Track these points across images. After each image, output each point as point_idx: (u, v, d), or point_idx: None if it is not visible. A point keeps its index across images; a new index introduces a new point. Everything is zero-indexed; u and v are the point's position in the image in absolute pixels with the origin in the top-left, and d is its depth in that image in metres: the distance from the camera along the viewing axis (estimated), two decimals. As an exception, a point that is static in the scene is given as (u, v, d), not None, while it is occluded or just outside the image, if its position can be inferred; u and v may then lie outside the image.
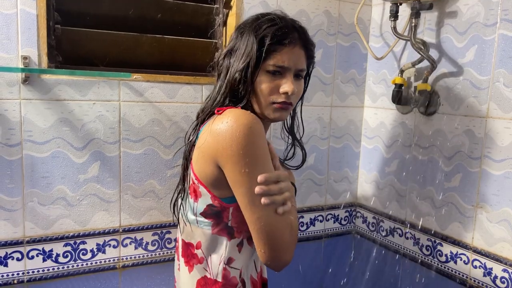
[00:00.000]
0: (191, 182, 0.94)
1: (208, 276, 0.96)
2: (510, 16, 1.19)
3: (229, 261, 0.94)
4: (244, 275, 0.97)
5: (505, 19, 1.20)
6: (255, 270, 1.01)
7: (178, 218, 1.03)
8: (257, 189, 0.82)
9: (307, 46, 0.97)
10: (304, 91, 1.03)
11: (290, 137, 1.11)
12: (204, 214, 0.93)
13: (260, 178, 0.82)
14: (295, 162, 1.11)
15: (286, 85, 0.92)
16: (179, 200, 1.01)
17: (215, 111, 0.91)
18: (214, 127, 0.85)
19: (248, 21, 0.96)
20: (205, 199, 0.92)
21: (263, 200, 0.83)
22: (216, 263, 0.94)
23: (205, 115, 0.96)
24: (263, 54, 0.90)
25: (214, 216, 0.92)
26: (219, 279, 0.94)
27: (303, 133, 1.12)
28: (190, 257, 0.98)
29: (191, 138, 0.97)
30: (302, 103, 1.08)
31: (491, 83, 1.24)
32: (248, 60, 0.91)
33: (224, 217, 0.92)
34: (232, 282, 0.95)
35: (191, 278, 0.98)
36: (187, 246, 0.99)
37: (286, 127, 1.10)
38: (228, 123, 0.83)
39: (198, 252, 0.96)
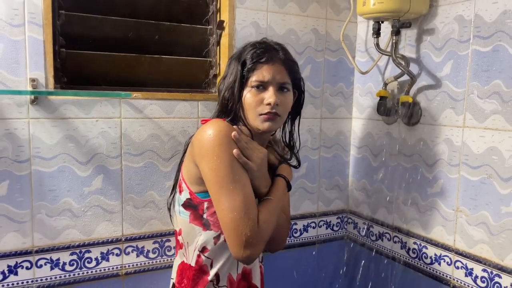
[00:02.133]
0: (180, 178, 1.13)
1: (185, 261, 1.11)
2: (482, 33, 1.28)
3: (203, 250, 1.08)
4: (220, 270, 1.08)
5: (477, 36, 1.30)
6: (236, 270, 1.11)
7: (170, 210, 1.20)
8: (233, 134, 1.01)
9: (287, 63, 1.10)
10: (301, 107, 1.19)
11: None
12: (184, 205, 1.10)
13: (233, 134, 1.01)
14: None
15: (269, 97, 1.05)
16: (172, 196, 1.20)
17: (201, 121, 1.09)
18: (197, 133, 1.05)
19: (236, 51, 1.14)
20: (186, 193, 1.09)
21: (235, 151, 1.00)
22: (192, 249, 1.09)
23: None
24: (247, 74, 1.06)
25: (191, 208, 1.08)
26: (193, 264, 1.09)
27: (299, 148, 1.25)
28: (177, 243, 1.15)
29: (186, 146, 1.15)
30: (300, 119, 1.21)
31: (466, 95, 1.33)
32: (233, 80, 1.07)
33: (199, 209, 1.06)
34: (203, 270, 1.08)
35: (175, 263, 1.15)
36: (176, 233, 1.15)
37: (285, 142, 1.22)
38: (204, 129, 1.02)
39: (179, 238, 1.12)
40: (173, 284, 1.15)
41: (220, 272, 1.09)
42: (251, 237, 0.97)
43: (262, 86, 1.06)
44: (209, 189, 1.02)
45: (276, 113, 1.06)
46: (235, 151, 1.01)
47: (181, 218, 1.11)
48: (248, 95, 1.07)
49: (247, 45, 1.12)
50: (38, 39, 1.23)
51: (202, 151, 1.01)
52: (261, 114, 1.06)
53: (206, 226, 1.07)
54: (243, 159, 1.03)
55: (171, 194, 1.21)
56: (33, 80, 1.22)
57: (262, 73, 1.06)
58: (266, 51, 1.08)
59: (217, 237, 1.07)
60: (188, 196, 1.08)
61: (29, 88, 1.21)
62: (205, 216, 1.06)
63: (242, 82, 1.07)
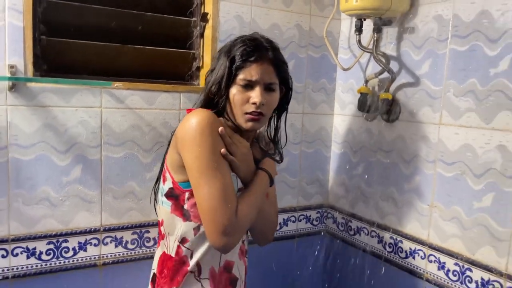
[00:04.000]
0: (164, 168, 1.13)
1: (166, 252, 1.11)
2: (459, 32, 1.31)
3: (183, 240, 1.08)
4: (201, 260, 1.09)
5: (455, 35, 1.33)
6: (218, 263, 1.11)
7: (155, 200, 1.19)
8: (220, 129, 1.03)
9: (276, 63, 1.11)
10: (287, 103, 1.21)
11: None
12: (166, 195, 1.10)
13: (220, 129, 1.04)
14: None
15: (255, 96, 1.06)
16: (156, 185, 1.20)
17: (186, 111, 1.10)
18: (181, 122, 1.06)
19: (225, 45, 1.14)
20: (169, 183, 1.10)
21: (222, 151, 1.02)
22: (172, 240, 1.09)
23: None
24: (235, 70, 1.06)
25: (173, 198, 1.08)
26: (173, 255, 1.09)
27: (285, 143, 1.26)
28: (159, 234, 1.15)
29: (171, 136, 1.14)
30: (286, 114, 1.22)
31: (443, 93, 1.36)
32: (221, 75, 1.08)
33: (181, 200, 1.07)
34: (183, 260, 1.09)
35: (157, 254, 1.15)
36: (158, 224, 1.15)
37: (269, 136, 1.23)
38: (188, 118, 1.03)
39: (162, 229, 1.13)
40: (154, 274, 1.16)
41: (201, 262, 1.09)
42: (228, 225, 0.99)
43: (249, 85, 1.07)
44: (189, 177, 1.03)
45: (261, 112, 1.08)
46: (222, 150, 1.03)
47: (164, 209, 1.11)
48: (235, 92, 1.08)
49: (237, 40, 1.11)
50: (18, 25, 1.22)
51: (185, 139, 1.02)
52: (246, 113, 1.08)
53: (186, 217, 1.08)
54: (230, 157, 1.05)
55: (155, 184, 1.21)
56: (11, 66, 1.21)
57: (250, 72, 1.06)
58: (256, 49, 1.08)
59: (196, 228, 1.08)
60: (171, 186, 1.09)
61: (8, 75, 1.20)
62: (185, 206, 1.07)
63: (230, 78, 1.08)
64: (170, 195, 1.09)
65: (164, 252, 1.13)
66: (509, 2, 1.18)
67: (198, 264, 1.09)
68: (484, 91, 1.24)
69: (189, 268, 1.08)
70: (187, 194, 1.06)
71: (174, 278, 1.09)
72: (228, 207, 1.00)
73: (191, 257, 1.09)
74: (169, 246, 1.11)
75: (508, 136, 1.18)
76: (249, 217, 1.06)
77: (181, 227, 1.08)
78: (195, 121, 1.01)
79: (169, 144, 1.14)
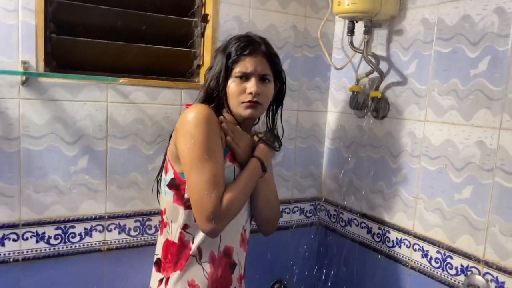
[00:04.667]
0: (166, 160, 1.20)
1: (169, 238, 1.19)
2: (443, 35, 1.40)
3: (185, 227, 1.16)
4: (201, 245, 1.16)
5: (439, 38, 1.41)
6: (218, 248, 1.18)
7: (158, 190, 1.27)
8: (222, 125, 1.13)
9: (269, 55, 1.20)
10: (282, 97, 1.30)
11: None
12: (169, 185, 1.17)
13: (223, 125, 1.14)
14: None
15: (251, 86, 1.15)
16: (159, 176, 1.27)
17: (185, 106, 1.19)
18: (180, 116, 1.15)
19: (221, 44, 1.23)
20: (170, 174, 1.16)
21: (228, 138, 1.13)
22: (175, 227, 1.17)
23: None
24: (231, 65, 1.15)
25: (175, 188, 1.16)
26: (176, 241, 1.16)
27: (282, 136, 1.34)
28: (162, 222, 1.22)
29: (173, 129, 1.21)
30: (282, 109, 1.31)
31: (428, 92, 1.45)
32: (219, 70, 1.17)
33: (181, 189, 1.15)
34: (185, 245, 1.16)
35: (160, 241, 1.22)
36: (161, 213, 1.22)
37: (267, 128, 1.32)
38: (186, 112, 1.12)
39: (164, 217, 1.20)
40: (158, 259, 1.23)
41: (201, 247, 1.16)
42: (212, 213, 1.06)
43: (245, 77, 1.16)
44: (183, 167, 1.11)
45: (257, 101, 1.16)
46: (228, 138, 1.12)
47: (166, 198, 1.19)
48: (232, 84, 1.16)
49: (232, 38, 1.21)
50: (31, 24, 1.30)
51: (181, 132, 1.11)
52: (243, 102, 1.16)
53: (187, 205, 1.15)
54: (233, 145, 1.14)
55: (158, 175, 1.28)
56: (24, 62, 1.29)
57: (245, 65, 1.15)
58: (249, 44, 1.17)
59: None
60: (172, 176, 1.16)
61: (21, 70, 1.28)
62: (186, 196, 1.14)
63: (227, 73, 1.17)
64: (171, 185, 1.17)
65: (167, 239, 1.20)
66: (488, 7, 1.27)
67: (199, 248, 1.16)
68: (465, 90, 1.33)
69: (191, 252, 1.16)
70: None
71: (178, 262, 1.17)
72: (213, 196, 1.06)
73: (193, 241, 1.16)
74: (172, 233, 1.18)
75: (486, 132, 1.27)
76: (236, 203, 1.12)
77: (182, 215, 1.15)
78: (191, 115, 1.09)
79: (170, 137, 1.22)
